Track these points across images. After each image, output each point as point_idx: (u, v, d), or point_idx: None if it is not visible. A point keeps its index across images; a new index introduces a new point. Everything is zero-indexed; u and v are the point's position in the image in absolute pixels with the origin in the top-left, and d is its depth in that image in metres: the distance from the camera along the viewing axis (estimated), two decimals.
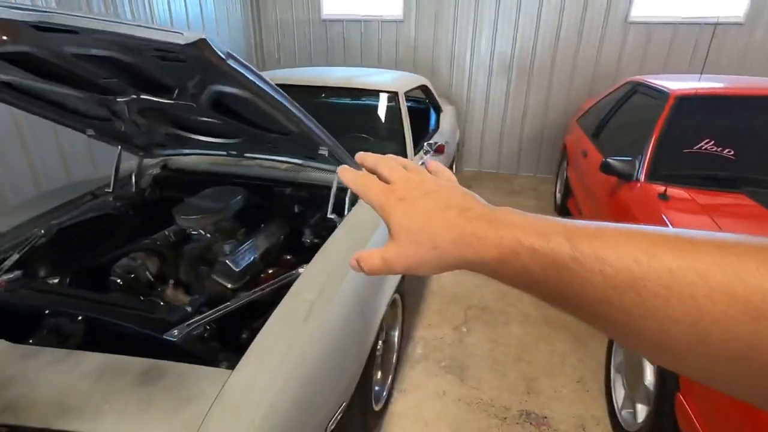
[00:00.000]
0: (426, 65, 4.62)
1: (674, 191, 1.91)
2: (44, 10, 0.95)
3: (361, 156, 0.46)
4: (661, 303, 0.26)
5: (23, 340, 1.14)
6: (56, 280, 1.50)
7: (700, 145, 2.10)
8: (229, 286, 1.58)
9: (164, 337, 1.14)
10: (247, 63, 1.04)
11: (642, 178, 2.08)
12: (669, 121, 2.22)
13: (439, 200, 0.38)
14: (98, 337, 1.18)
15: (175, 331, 1.16)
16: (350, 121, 2.68)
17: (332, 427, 1.24)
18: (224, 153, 1.98)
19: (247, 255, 1.68)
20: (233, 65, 1.00)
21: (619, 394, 1.83)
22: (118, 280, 1.56)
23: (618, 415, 1.77)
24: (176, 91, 1.36)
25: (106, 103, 1.54)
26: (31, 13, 0.93)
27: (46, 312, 1.24)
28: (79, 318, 1.21)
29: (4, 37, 0.95)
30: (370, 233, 1.61)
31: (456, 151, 4.00)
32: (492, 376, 2.02)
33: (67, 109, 1.65)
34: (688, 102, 2.26)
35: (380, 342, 1.71)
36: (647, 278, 0.26)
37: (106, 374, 1.02)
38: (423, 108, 3.45)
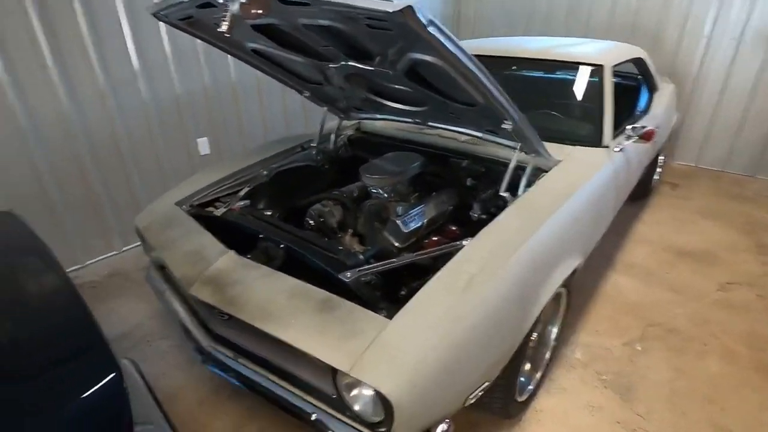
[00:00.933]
0: (647, 34, 3.88)
1: None
2: None
3: None
4: None
5: (244, 254, 1.46)
6: (269, 213, 1.86)
7: None
8: (396, 244, 1.70)
9: (339, 276, 1.31)
10: (446, 30, 1.05)
11: None
12: None
13: None
14: (293, 263, 1.43)
15: (348, 273, 1.31)
16: (542, 96, 2.48)
17: (471, 401, 1.25)
18: (410, 120, 2.08)
19: (416, 219, 1.77)
20: (433, 32, 1.02)
21: None
22: (311, 221, 1.84)
23: None
24: (377, 59, 1.48)
25: (321, 68, 1.77)
26: None
27: (260, 236, 1.56)
28: (281, 246, 1.49)
29: (260, 11, 1.18)
30: (544, 217, 1.50)
31: (667, 139, 3.33)
32: (667, 410, 1.71)
33: (292, 72, 1.97)
34: None
35: (535, 333, 1.61)
36: None
37: (296, 296, 1.24)
38: (633, 85, 2.94)
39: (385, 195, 1.92)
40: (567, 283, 1.69)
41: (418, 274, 1.45)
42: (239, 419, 1.67)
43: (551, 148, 1.82)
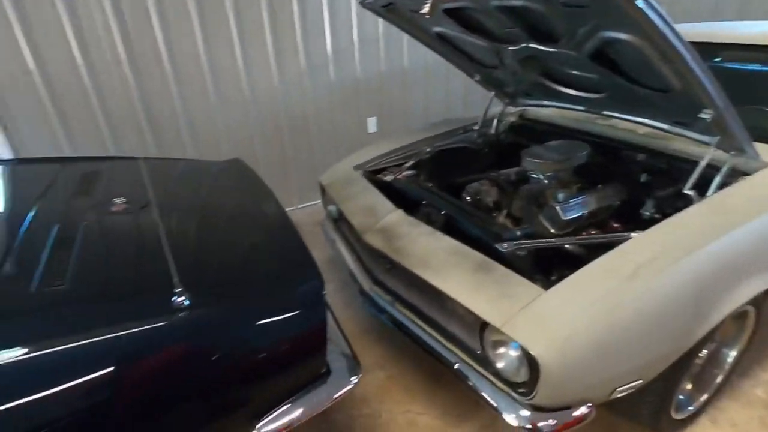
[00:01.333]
0: None
1: None
2: None
3: None
4: None
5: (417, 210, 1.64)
6: (430, 185, 2.02)
7: None
8: (552, 230, 1.68)
9: (496, 245, 1.38)
10: (656, 5, 1.01)
11: None
12: None
13: None
14: (450, 230, 1.56)
15: (505, 245, 1.38)
16: (754, 89, 2.11)
17: (619, 395, 1.21)
18: (582, 108, 2.00)
19: (576, 208, 1.72)
20: (642, 7, 0.99)
21: None
22: (467, 198, 1.94)
23: None
24: (563, 40, 1.47)
25: (499, 51, 1.83)
26: None
27: (423, 202, 1.72)
28: (442, 212, 1.62)
29: None
30: (738, 222, 1.31)
31: None
32: None
33: (468, 56, 2.08)
34: None
35: (704, 351, 1.45)
36: None
37: (454, 254, 1.36)
38: None
39: (545, 181, 1.90)
40: (757, 304, 1.46)
41: (572, 262, 1.43)
42: (375, 363, 1.89)
43: (761, 149, 1.56)
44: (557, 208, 1.69)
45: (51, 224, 1.16)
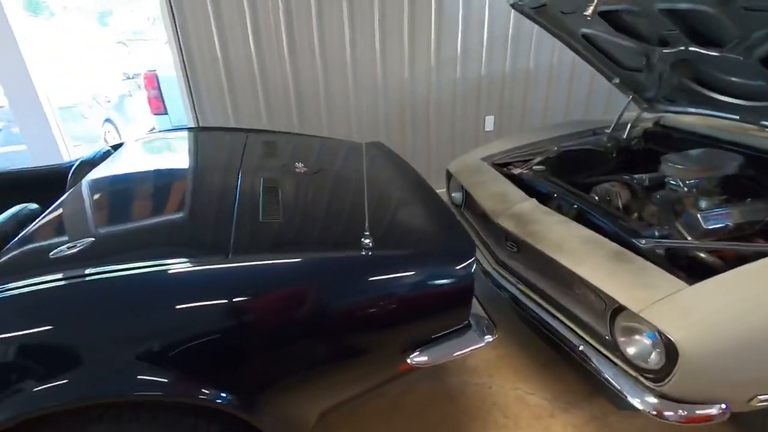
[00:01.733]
0: None
1: None
2: None
3: None
4: None
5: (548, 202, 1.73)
6: (560, 181, 2.07)
7: None
8: (689, 238, 1.66)
9: (634, 241, 1.42)
10: None
11: None
12: None
13: None
14: (582, 224, 1.62)
15: (643, 241, 1.41)
16: None
17: (757, 405, 1.19)
18: (736, 117, 1.91)
19: (719, 219, 1.67)
20: None
21: None
22: (596, 197, 1.96)
23: None
24: (731, 44, 1.45)
25: (649, 53, 1.83)
26: None
27: (554, 195, 1.80)
28: (575, 206, 1.69)
29: None
30: None
31: None
32: None
33: (610, 57, 2.08)
34: None
35: None
36: None
37: (589, 242, 1.44)
38: None
39: (685, 189, 1.86)
40: None
41: (711, 270, 1.41)
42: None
43: None
44: (698, 216, 1.66)
45: (257, 177, 1.47)
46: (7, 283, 0.91)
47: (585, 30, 1.95)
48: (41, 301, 0.90)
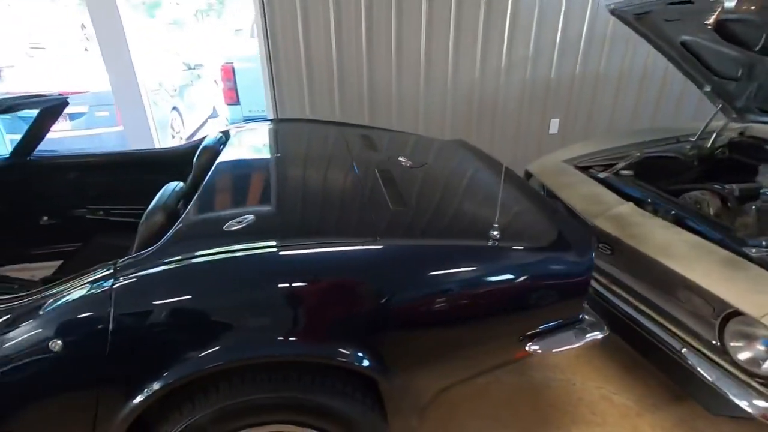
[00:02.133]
0: None
1: None
2: None
3: None
4: None
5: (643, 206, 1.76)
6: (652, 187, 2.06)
7: None
8: None
9: (743, 249, 1.44)
10: None
11: None
12: None
13: None
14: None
15: (753, 249, 1.43)
16: None
17: None
18: None
19: None
20: None
21: None
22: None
23: None
24: None
25: (752, 62, 1.82)
26: None
27: (648, 200, 1.82)
28: (672, 212, 1.71)
29: (752, 7, 1.38)
30: None
31: None
32: None
33: (705, 65, 2.08)
34: None
35: None
36: None
37: (697, 248, 1.46)
38: None
39: None
40: None
41: None
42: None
43: None
44: None
45: (370, 168, 1.56)
46: (196, 251, 1.03)
47: (686, 37, 1.95)
48: (230, 269, 1.02)
